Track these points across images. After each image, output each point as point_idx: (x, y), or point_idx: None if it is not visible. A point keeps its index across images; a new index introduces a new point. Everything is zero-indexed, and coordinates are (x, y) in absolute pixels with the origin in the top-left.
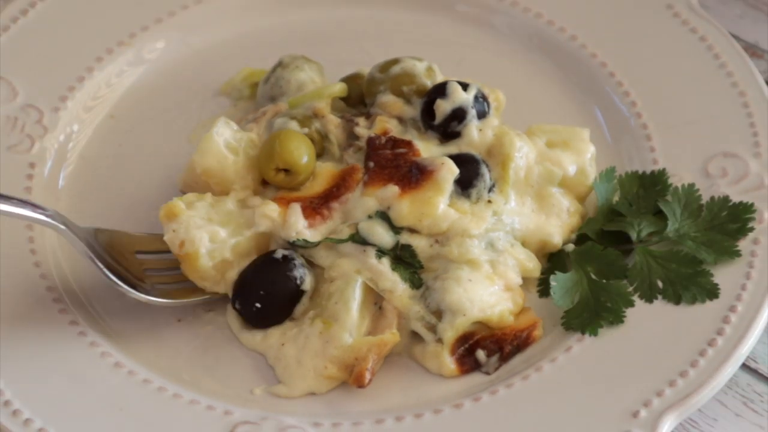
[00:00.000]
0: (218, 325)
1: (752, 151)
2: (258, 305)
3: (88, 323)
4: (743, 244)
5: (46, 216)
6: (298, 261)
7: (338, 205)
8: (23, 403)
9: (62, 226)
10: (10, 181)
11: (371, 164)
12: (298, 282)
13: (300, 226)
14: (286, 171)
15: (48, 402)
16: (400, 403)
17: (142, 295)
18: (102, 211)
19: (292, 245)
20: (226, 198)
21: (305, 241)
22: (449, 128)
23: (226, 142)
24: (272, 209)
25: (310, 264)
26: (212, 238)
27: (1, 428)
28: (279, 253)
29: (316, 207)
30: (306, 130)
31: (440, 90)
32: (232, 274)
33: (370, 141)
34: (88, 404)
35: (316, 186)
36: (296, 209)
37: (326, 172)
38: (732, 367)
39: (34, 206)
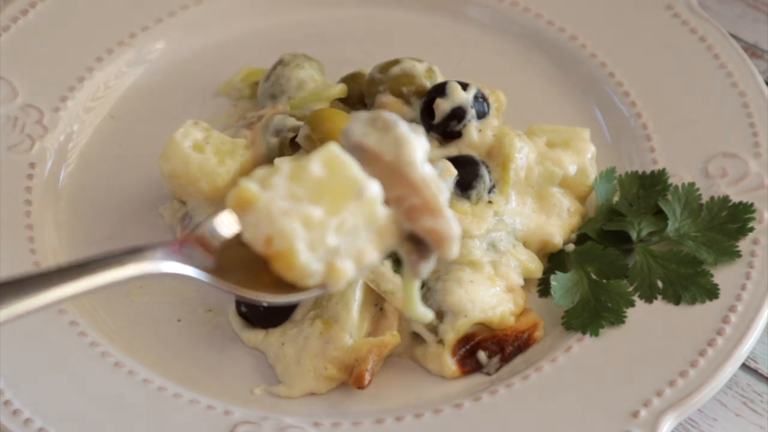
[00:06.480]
0: (218, 325)
1: (752, 151)
2: (265, 303)
3: (88, 323)
4: (743, 244)
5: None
6: None
7: None
8: (23, 403)
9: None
10: (10, 181)
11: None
12: None
13: None
14: None
15: (48, 402)
16: (400, 403)
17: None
18: (102, 211)
19: None
20: (305, 160)
21: None
22: (449, 128)
23: (195, 141)
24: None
25: None
26: (306, 224)
27: (1, 428)
28: None
29: None
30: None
31: (440, 89)
32: (345, 263)
33: None
34: (88, 404)
35: None
36: None
37: None
38: (732, 367)
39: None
